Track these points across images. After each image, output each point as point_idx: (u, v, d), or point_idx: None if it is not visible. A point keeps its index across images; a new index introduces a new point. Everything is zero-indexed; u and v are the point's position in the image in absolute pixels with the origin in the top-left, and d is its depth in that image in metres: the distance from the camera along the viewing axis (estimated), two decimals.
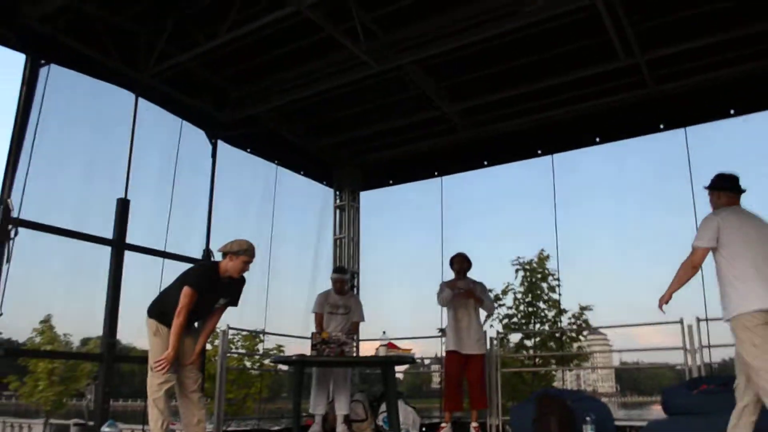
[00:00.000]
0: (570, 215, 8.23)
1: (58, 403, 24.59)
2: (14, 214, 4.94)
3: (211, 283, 4.49)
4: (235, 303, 4.76)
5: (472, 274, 6.49)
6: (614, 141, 7.38)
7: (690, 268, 4.00)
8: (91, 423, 5.51)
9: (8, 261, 4.90)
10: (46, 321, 24.92)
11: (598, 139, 7.31)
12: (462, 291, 6.26)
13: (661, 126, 6.92)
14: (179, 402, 4.59)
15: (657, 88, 6.56)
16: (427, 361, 8.83)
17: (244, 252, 4.48)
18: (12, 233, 4.93)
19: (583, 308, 9.64)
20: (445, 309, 6.54)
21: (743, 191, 4.19)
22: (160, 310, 4.46)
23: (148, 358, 4.58)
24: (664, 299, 4.05)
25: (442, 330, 7.88)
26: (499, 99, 6.95)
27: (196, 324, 4.85)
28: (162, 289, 4.78)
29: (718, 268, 3.97)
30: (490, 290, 10.78)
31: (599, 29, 5.59)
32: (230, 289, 4.64)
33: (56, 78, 5.44)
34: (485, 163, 7.96)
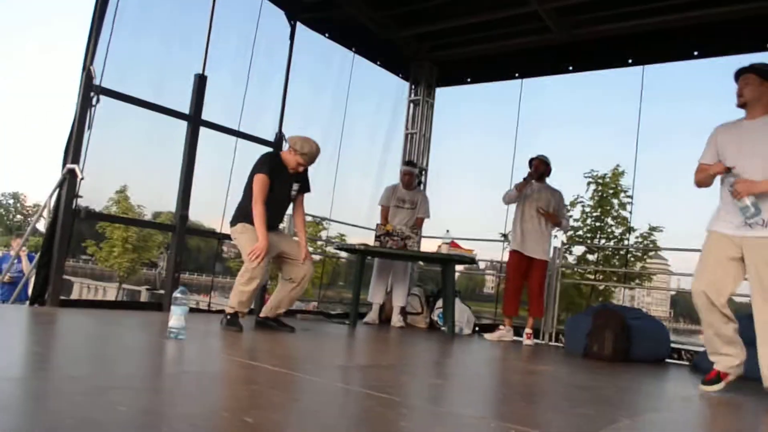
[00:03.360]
0: (653, 133, 7.86)
1: (131, 269, 26.18)
2: (96, 82, 5.01)
3: (279, 167, 4.52)
4: (308, 188, 4.81)
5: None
6: (714, 56, 6.85)
7: None
8: (161, 291, 5.79)
9: (90, 128, 5.03)
10: (122, 191, 26.02)
11: (696, 53, 6.79)
12: (544, 212, 6.02)
13: None
14: (281, 280, 4.68)
15: None
16: (482, 265, 8.85)
17: (302, 154, 4.49)
18: (94, 100, 5.02)
19: (652, 228, 9.39)
20: (511, 214, 6.36)
21: None
22: (241, 213, 4.51)
23: (217, 233, 4.71)
24: (752, 191, 3.31)
25: (504, 235, 7.84)
26: (595, 0, 6.48)
27: (282, 226, 4.88)
28: (233, 180, 4.88)
29: None
30: None
31: None
32: (298, 175, 4.67)
33: None
34: (570, 68, 7.57)
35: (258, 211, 4.35)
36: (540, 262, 6.10)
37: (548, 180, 6.23)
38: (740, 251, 3.45)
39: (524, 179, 6.04)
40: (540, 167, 6.13)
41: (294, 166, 4.55)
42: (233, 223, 4.58)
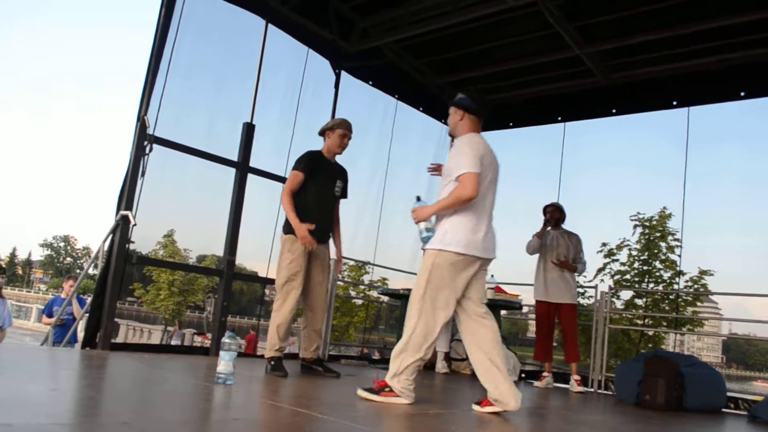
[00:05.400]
0: (701, 174, 7.74)
1: (176, 312, 26.54)
2: (150, 131, 5.19)
3: (319, 163, 4.56)
4: (345, 194, 4.81)
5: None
6: (762, 97, 6.79)
7: (464, 201, 3.54)
8: (208, 335, 5.85)
9: (143, 175, 5.19)
10: (169, 235, 26.59)
11: (743, 94, 6.72)
12: (559, 263, 6.08)
13: None
14: (304, 312, 4.71)
15: None
16: (525, 309, 8.76)
17: (338, 125, 4.56)
18: (147, 149, 5.20)
19: (703, 272, 9.13)
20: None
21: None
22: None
23: (261, 277, 4.71)
24: (422, 217, 3.75)
25: None
26: (638, 43, 6.49)
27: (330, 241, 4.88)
28: (281, 213, 4.92)
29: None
30: (604, 244, 10.56)
31: None
32: (340, 173, 4.71)
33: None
34: (614, 111, 7.55)
35: (286, 200, 4.41)
36: (568, 306, 6.12)
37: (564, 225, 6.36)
38: None
39: (542, 228, 6.21)
40: (555, 214, 6.28)
41: (339, 142, 4.59)
42: (285, 231, 4.58)
